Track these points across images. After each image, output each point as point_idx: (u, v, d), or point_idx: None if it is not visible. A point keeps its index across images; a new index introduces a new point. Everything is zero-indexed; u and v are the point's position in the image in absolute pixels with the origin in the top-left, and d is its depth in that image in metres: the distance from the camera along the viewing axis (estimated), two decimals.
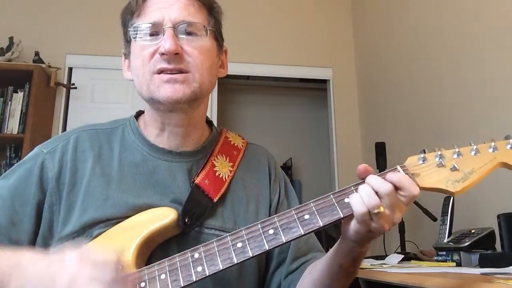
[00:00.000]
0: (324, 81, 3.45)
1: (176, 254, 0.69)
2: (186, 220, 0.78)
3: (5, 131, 2.65)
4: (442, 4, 2.27)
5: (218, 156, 0.88)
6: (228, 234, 0.68)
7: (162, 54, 0.76)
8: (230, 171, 0.87)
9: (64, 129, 2.92)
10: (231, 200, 0.85)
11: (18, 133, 2.65)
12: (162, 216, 0.76)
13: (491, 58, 1.88)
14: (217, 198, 0.83)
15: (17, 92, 2.73)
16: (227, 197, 0.85)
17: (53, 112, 2.94)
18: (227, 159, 0.89)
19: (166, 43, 0.76)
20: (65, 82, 2.96)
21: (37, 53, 2.83)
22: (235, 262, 0.65)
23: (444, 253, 1.48)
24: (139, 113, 0.91)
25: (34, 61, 2.80)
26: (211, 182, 0.83)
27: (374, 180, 0.65)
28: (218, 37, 0.86)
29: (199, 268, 0.66)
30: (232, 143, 0.93)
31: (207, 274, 0.65)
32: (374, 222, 0.64)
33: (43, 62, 2.81)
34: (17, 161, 2.69)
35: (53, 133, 2.89)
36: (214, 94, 3.16)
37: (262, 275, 0.87)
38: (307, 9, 3.45)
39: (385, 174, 0.66)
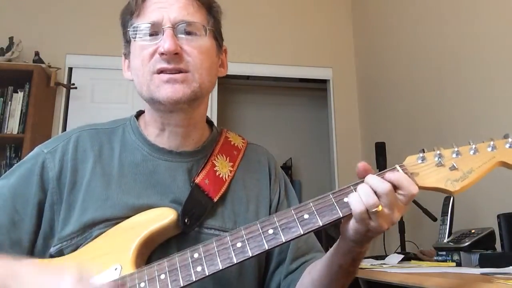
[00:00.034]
0: (324, 81, 3.45)
1: (176, 254, 0.69)
2: (186, 220, 0.78)
3: (5, 131, 2.66)
4: (442, 4, 2.27)
5: (218, 156, 0.88)
6: (227, 234, 0.68)
7: (162, 54, 0.76)
8: (230, 171, 0.87)
9: (64, 129, 2.92)
10: (231, 200, 0.85)
11: (18, 133, 2.65)
12: (162, 217, 0.76)
13: (490, 59, 1.88)
14: (217, 198, 0.83)
15: (17, 92, 2.73)
16: (227, 197, 0.85)
17: (53, 112, 2.94)
18: (227, 159, 0.89)
19: (165, 43, 0.76)
20: (65, 82, 2.96)
21: (37, 53, 2.83)
22: (235, 262, 0.65)
23: (444, 253, 1.48)
24: (140, 113, 0.91)
25: (34, 61, 2.80)
26: (211, 182, 0.83)
27: (372, 179, 0.65)
28: (217, 37, 0.86)
29: (199, 268, 0.66)
30: (232, 143, 0.93)
31: (207, 274, 0.65)
32: (373, 221, 0.64)
33: (43, 62, 2.81)
34: (17, 161, 2.70)
35: (53, 133, 2.89)
36: (214, 94, 3.16)
37: (262, 275, 0.87)
38: (307, 9, 3.45)
39: (384, 174, 0.66)
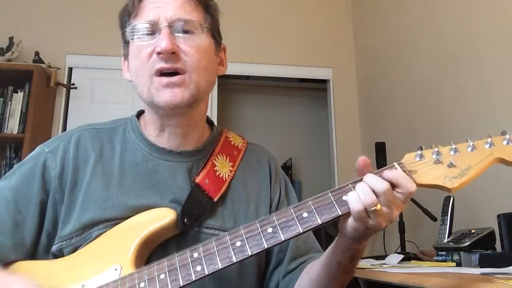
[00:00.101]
0: (324, 81, 3.45)
1: (175, 254, 0.69)
2: (185, 220, 0.78)
3: (5, 131, 2.65)
4: (442, 4, 2.27)
5: (218, 156, 0.88)
6: (227, 233, 0.68)
7: (159, 53, 0.76)
8: (231, 171, 0.87)
9: (64, 129, 2.92)
10: (231, 200, 0.85)
11: (18, 133, 2.65)
12: (161, 217, 0.76)
13: (490, 59, 1.88)
14: (217, 197, 0.83)
15: (17, 92, 2.73)
16: (227, 197, 0.85)
17: (53, 112, 2.94)
18: (228, 159, 0.89)
19: (162, 42, 0.76)
20: (65, 82, 2.96)
21: (37, 53, 2.83)
22: (234, 261, 0.65)
23: (444, 253, 1.48)
24: (141, 113, 0.91)
25: (34, 61, 2.80)
26: (211, 181, 0.83)
27: (371, 178, 0.65)
28: (215, 35, 0.86)
29: (198, 268, 0.66)
30: (232, 143, 0.93)
31: (206, 274, 0.65)
32: (371, 220, 0.64)
33: (43, 62, 2.81)
34: (17, 161, 2.71)
35: (53, 133, 2.89)
36: (214, 94, 3.16)
37: (262, 274, 0.87)
38: (307, 9, 3.45)
39: (382, 172, 0.66)
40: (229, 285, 0.79)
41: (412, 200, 2.08)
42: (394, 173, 0.65)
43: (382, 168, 0.68)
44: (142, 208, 0.78)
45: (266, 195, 0.89)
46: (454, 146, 0.68)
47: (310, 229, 0.66)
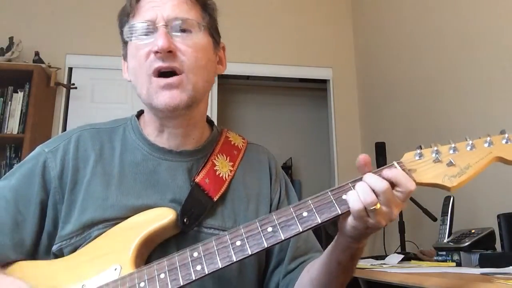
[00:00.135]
0: (324, 81, 3.44)
1: (175, 253, 0.69)
2: (185, 220, 0.78)
3: (5, 131, 2.65)
4: (442, 4, 2.27)
5: (218, 156, 0.88)
6: (227, 232, 0.68)
7: (156, 52, 0.76)
8: (231, 171, 0.87)
9: (64, 129, 2.92)
10: (231, 199, 0.85)
11: (18, 133, 2.65)
12: (161, 217, 0.76)
13: (489, 59, 1.88)
14: (217, 197, 0.83)
15: (17, 92, 2.73)
16: (227, 196, 0.85)
17: (53, 112, 2.94)
18: (228, 158, 0.89)
19: (159, 41, 0.76)
20: (65, 82, 2.96)
21: (37, 53, 2.83)
22: (234, 260, 0.65)
23: (444, 253, 1.48)
24: (141, 112, 0.91)
25: (34, 61, 2.80)
26: (212, 181, 0.83)
27: (371, 178, 0.65)
28: (213, 33, 0.85)
29: (198, 267, 0.66)
30: (232, 143, 0.93)
31: (206, 273, 0.65)
32: (371, 219, 0.64)
33: (43, 62, 2.81)
34: (17, 161, 2.71)
35: (53, 133, 2.89)
36: (214, 94, 3.16)
37: (262, 274, 0.87)
38: (307, 9, 3.45)
39: (382, 171, 0.66)
40: (229, 284, 0.79)
41: (412, 200, 2.08)
42: (393, 172, 0.66)
43: (382, 167, 0.68)
44: (142, 208, 0.78)
45: (266, 194, 0.89)
46: (453, 145, 0.68)
47: (310, 228, 0.66)
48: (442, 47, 2.24)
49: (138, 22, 0.79)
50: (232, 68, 3.09)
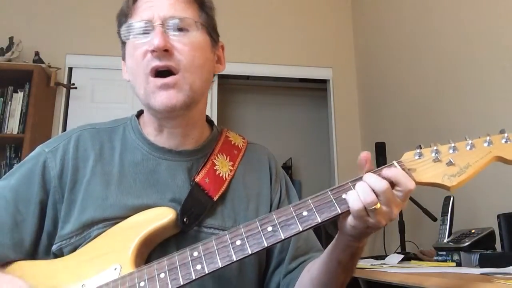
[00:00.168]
0: (324, 81, 3.44)
1: (175, 253, 0.69)
2: (185, 220, 0.78)
3: (5, 131, 2.65)
4: (441, 4, 2.27)
5: (218, 155, 0.88)
6: (226, 232, 0.68)
7: (152, 51, 0.76)
8: (231, 170, 0.87)
9: (64, 129, 2.91)
10: (231, 199, 0.85)
11: (18, 133, 2.65)
12: (161, 216, 0.76)
13: (489, 59, 1.88)
14: (217, 196, 0.83)
15: (17, 92, 2.73)
16: (227, 196, 0.85)
17: (53, 112, 2.94)
18: (228, 158, 0.89)
19: (154, 39, 0.76)
20: (65, 82, 2.96)
21: (37, 53, 2.83)
22: (234, 259, 0.65)
23: (444, 253, 1.48)
24: (141, 112, 0.91)
25: (34, 61, 2.80)
26: (211, 180, 0.83)
27: (370, 178, 0.65)
28: (211, 32, 0.85)
29: (198, 267, 0.66)
30: (232, 142, 0.93)
31: (206, 272, 0.65)
32: (371, 218, 0.64)
33: (43, 62, 2.81)
34: (17, 161, 2.71)
35: (53, 133, 2.89)
36: (214, 94, 3.16)
37: (262, 274, 0.87)
38: (307, 9, 3.45)
39: (381, 170, 0.67)
40: (229, 284, 0.79)
41: (412, 200, 2.08)
42: (393, 171, 0.66)
43: (381, 167, 0.68)
44: (141, 208, 0.78)
45: (266, 194, 0.89)
46: (453, 145, 0.68)
47: (310, 228, 0.66)
48: (442, 47, 2.24)
49: (135, 22, 0.79)
50: (232, 68, 3.10)
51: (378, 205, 0.63)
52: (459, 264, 1.39)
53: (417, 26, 2.51)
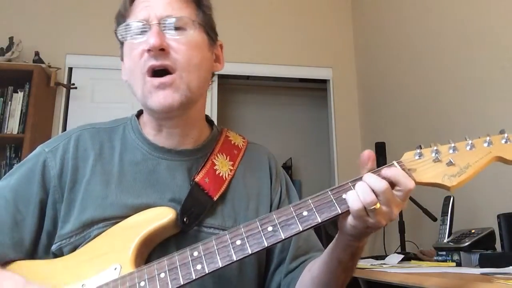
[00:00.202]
0: (324, 81, 3.45)
1: (175, 253, 0.69)
2: (185, 219, 0.78)
3: (5, 131, 2.65)
4: (441, 4, 2.27)
5: (218, 155, 0.88)
6: (227, 232, 0.68)
7: (149, 50, 0.76)
8: (231, 170, 0.87)
9: (64, 129, 2.91)
10: (231, 199, 0.85)
11: (18, 133, 2.65)
12: (161, 216, 0.76)
13: (489, 59, 1.88)
14: (217, 196, 0.83)
15: (17, 92, 2.73)
16: (227, 196, 0.85)
17: (53, 112, 2.94)
18: (228, 158, 0.89)
19: (150, 39, 0.76)
20: (65, 82, 2.96)
21: (37, 53, 2.83)
22: (234, 259, 0.65)
23: (444, 253, 1.48)
24: (141, 112, 0.91)
25: (34, 61, 2.80)
26: (211, 180, 0.83)
27: (370, 178, 0.65)
28: (209, 31, 0.85)
29: (199, 266, 0.66)
30: (232, 142, 0.93)
31: (207, 272, 0.65)
32: (371, 218, 0.64)
33: (43, 62, 2.81)
34: (17, 161, 2.71)
35: (53, 133, 2.89)
36: (214, 94, 3.16)
37: (263, 274, 0.87)
38: (307, 9, 3.45)
39: (381, 170, 0.67)
40: (229, 283, 0.79)
41: (412, 200, 2.08)
42: (392, 171, 0.66)
43: (381, 167, 0.68)
44: (141, 207, 0.78)
45: (266, 194, 0.89)
46: (453, 145, 0.69)
47: (310, 228, 0.66)
48: (442, 47, 2.24)
49: (132, 22, 0.80)
50: (232, 68, 3.10)
51: (378, 205, 0.63)
52: (459, 264, 1.39)
53: (417, 26, 2.51)
